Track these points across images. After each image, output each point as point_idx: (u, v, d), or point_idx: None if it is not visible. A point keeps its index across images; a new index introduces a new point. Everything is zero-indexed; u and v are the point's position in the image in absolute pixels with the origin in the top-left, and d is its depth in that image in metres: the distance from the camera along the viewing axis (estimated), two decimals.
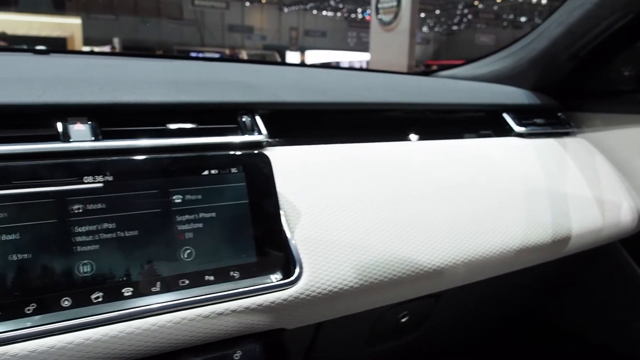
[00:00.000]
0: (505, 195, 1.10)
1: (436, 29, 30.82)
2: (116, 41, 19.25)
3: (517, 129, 1.30)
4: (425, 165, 1.07)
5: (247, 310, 0.76)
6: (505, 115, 1.32)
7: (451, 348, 1.55)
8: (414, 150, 1.10)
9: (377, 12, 9.27)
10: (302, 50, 27.01)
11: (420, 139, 1.15)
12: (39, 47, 1.23)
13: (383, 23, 9.19)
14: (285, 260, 0.81)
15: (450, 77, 1.57)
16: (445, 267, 0.95)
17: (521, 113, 1.34)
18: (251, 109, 0.95)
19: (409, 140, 1.14)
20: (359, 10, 28.31)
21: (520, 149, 1.25)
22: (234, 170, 0.81)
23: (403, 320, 1.13)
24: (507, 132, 1.30)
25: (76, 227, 0.69)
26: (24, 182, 0.68)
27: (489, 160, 1.18)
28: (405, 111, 1.21)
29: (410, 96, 1.20)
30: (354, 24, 30.53)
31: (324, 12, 29.54)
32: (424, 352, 1.44)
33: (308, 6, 28.19)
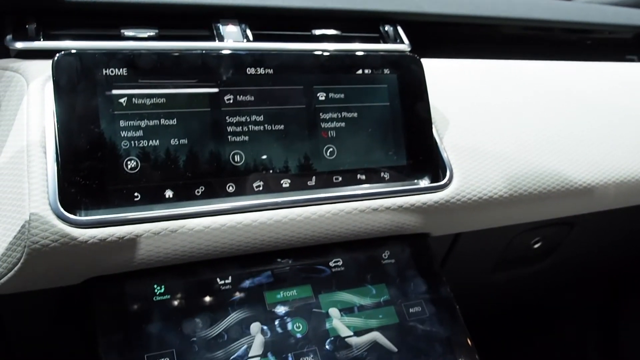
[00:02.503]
0: None
1: None
2: None
3: None
4: (575, 86, 1.02)
5: (400, 209, 0.75)
6: None
7: (575, 285, 1.50)
8: (562, 70, 1.05)
9: None
10: None
11: (566, 59, 1.09)
12: None
13: None
14: (436, 165, 0.79)
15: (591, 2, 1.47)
16: (596, 185, 0.90)
17: None
18: (394, 18, 0.92)
19: (554, 60, 1.08)
20: None
21: None
22: (386, 71, 0.79)
23: (535, 246, 1.09)
24: None
25: (234, 117, 0.69)
26: (186, 75, 0.69)
27: (637, 84, 1.10)
28: (549, 29, 1.14)
29: (555, 14, 1.13)
30: None
31: None
32: (545, 285, 1.40)
33: None
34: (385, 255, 0.78)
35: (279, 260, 0.73)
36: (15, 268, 0.59)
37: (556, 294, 1.67)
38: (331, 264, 0.75)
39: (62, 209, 0.59)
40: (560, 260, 1.20)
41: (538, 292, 1.51)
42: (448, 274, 0.86)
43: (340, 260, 0.76)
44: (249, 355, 0.65)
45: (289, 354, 0.67)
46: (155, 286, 0.67)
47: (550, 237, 1.08)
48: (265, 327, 0.68)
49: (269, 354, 0.66)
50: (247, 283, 0.70)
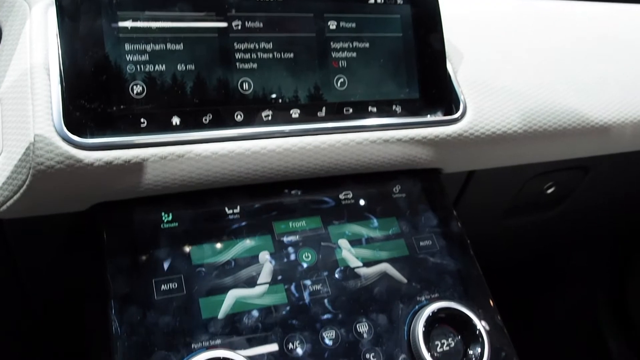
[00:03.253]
0: None
1: None
2: None
3: None
4: (594, 26, 0.99)
5: (412, 141, 0.74)
6: None
7: (585, 242, 1.49)
8: (581, 10, 1.02)
9: None
10: None
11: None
12: None
13: None
14: (449, 99, 0.78)
15: None
16: (613, 124, 0.88)
17: None
18: None
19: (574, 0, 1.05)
20: None
21: None
22: (399, 1, 0.76)
23: (548, 191, 1.07)
24: None
25: (243, 44, 0.67)
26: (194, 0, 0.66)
27: None
28: None
29: None
30: None
31: None
32: (556, 239, 1.39)
33: None
34: (396, 190, 0.77)
35: (288, 191, 0.72)
36: (21, 190, 0.58)
37: (566, 250, 1.66)
38: (341, 196, 0.74)
39: (66, 131, 0.58)
40: (573, 210, 1.19)
41: (548, 247, 1.49)
42: (459, 218, 0.85)
43: (350, 192, 0.74)
44: (258, 282, 0.65)
45: (299, 282, 0.66)
46: (163, 214, 0.66)
47: (563, 183, 1.06)
48: (273, 256, 0.67)
49: (278, 281, 0.65)
50: (255, 213, 0.69)
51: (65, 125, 0.58)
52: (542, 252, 1.57)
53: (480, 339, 0.66)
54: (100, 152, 0.59)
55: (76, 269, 0.74)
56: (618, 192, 1.25)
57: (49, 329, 0.94)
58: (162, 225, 0.65)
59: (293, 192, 0.72)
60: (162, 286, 0.62)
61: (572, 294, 1.71)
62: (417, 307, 0.68)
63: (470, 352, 0.66)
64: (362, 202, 0.74)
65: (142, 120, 0.62)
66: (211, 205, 0.68)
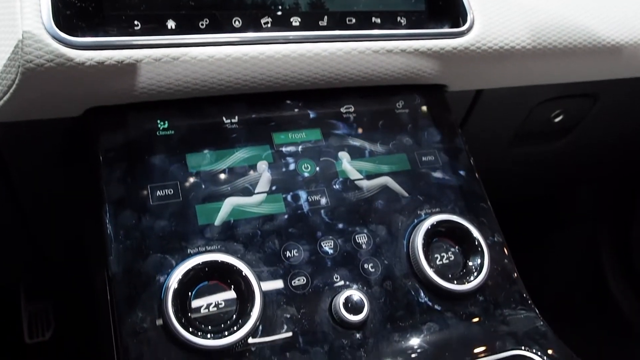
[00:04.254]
0: None
1: None
2: None
3: None
4: None
5: (416, 52, 0.71)
6: None
7: (591, 179, 1.46)
8: None
9: None
10: None
11: None
12: None
13: None
14: (456, 11, 0.74)
15: None
16: (625, 44, 0.85)
17: None
18: None
19: None
20: None
21: None
22: None
23: (556, 120, 1.05)
24: None
25: None
26: None
27: None
28: None
29: None
30: None
31: None
32: (562, 173, 1.37)
33: None
34: (399, 105, 0.75)
35: (288, 101, 0.70)
36: (11, 90, 0.56)
37: (572, 187, 1.64)
38: (342, 109, 0.72)
39: (56, 29, 0.56)
40: (580, 142, 1.16)
41: (554, 182, 1.48)
42: (469, 134, 0.83)
43: (352, 106, 0.72)
44: (255, 191, 0.64)
45: (297, 191, 0.65)
46: (158, 121, 0.64)
47: (572, 111, 1.04)
48: (272, 166, 0.65)
49: (276, 191, 0.64)
50: (254, 123, 0.67)
51: (55, 24, 0.56)
52: (548, 188, 1.56)
53: (479, 250, 0.65)
54: (91, 52, 0.57)
55: (71, 179, 0.73)
56: (628, 125, 1.23)
57: (44, 241, 0.93)
58: (157, 133, 0.64)
59: (293, 103, 0.70)
60: (158, 192, 0.61)
61: (576, 232, 1.70)
62: (417, 220, 0.67)
63: (470, 263, 0.65)
64: (363, 116, 0.72)
65: (135, 22, 0.60)
66: (208, 114, 0.66)
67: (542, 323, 0.65)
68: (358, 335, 0.59)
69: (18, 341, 1.43)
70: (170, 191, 0.61)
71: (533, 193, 1.59)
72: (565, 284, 1.73)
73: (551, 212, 1.74)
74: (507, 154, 1.12)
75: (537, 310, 0.66)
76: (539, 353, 0.62)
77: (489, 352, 0.61)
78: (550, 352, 0.62)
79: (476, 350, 0.61)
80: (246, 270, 0.57)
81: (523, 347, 0.63)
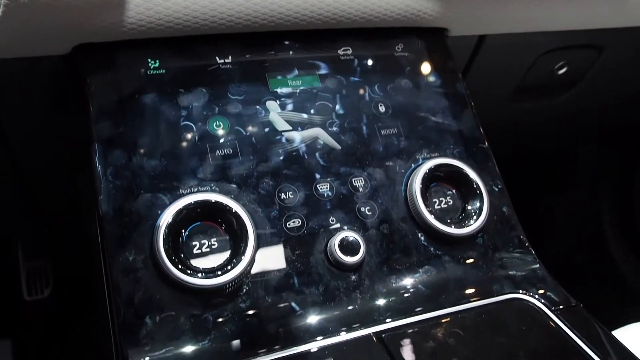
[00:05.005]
0: None
1: None
2: None
3: None
4: None
5: None
6: None
7: (598, 127, 1.44)
8: None
9: None
10: None
11: None
12: None
13: None
14: None
15: None
16: None
17: None
18: None
19: None
20: None
21: None
22: None
23: (560, 72, 1.02)
24: None
25: None
26: None
27: None
28: None
29: None
30: None
31: None
32: (565, 131, 1.35)
33: None
34: (398, 48, 0.73)
35: (284, 42, 0.67)
36: None
37: (574, 146, 1.62)
38: (340, 51, 0.70)
39: None
40: (584, 97, 1.14)
41: (557, 140, 1.46)
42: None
43: (350, 48, 0.70)
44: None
45: (292, 133, 0.63)
46: (149, 60, 0.62)
47: (576, 62, 1.01)
48: (267, 108, 0.64)
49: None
50: (248, 64, 0.65)
51: None
52: (549, 147, 1.54)
53: (478, 194, 0.64)
54: None
55: (63, 125, 0.71)
56: (633, 81, 1.20)
57: (40, 193, 0.92)
58: (148, 72, 0.62)
59: (289, 43, 0.68)
60: (149, 131, 0.59)
61: (577, 193, 1.69)
62: (415, 164, 0.66)
63: (469, 207, 0.64)
64: (361, 59, 0.70)
65: None
66: (201, 54, 0.64)
67: (540, 268, 0.64)
68: (354, 277, 0.58)
69: (17, 298, 1.44)
70: (162, 130, 0.59)
71: (534, 152, 1.57)
72: (565, 244, 1.72)
73: (552, 172, 1.72)
74: (508, 109, 1.10)
75: (536, 256, 0.65)
76: (536, 296, 0.61)
77: (486, 295, 0.60)
78: (548, 295, 0.61)
79: (473, 293, 0.60)
80: (239, 210, 0.56)
81: (520, 291, 0.62)
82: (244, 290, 0.55)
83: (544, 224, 1.72)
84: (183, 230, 0.55)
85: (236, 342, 0.53)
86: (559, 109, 1.17)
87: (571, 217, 1.72)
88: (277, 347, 0.53)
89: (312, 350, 0.53)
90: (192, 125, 0.60)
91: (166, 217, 0.54)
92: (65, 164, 0.82)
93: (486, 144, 0.71)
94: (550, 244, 1.71)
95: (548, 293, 0.62)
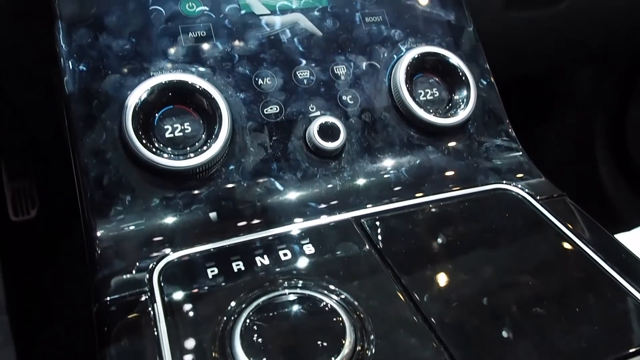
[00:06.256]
0: None
1: None
2: None
3: None
4: None
5: None
6: None
7: (596, 46, 1.39)
8: None
9: None
10: None
11: None
12: None
13: None
14: None
15: None
16: None
17: None
18: None
19: None
20: None
21: None
22: None
23: None
24: None
25: None
26: None
27: None
28: None
29: None
30: None
31: None
32: (562, 43, 1.30)
33: None
34: None
35: None
36: None
37: (569, 67, 1.58)
38: None
39: None
40: (581, 9, 1.09)
41: (551, 58, 1.41)
42: None
43: None
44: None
45: (273, 16, 0.60)
46: None
47: None
48: None
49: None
50: None
51: None
52: (546, 66, 1.50)
53: (465, 82, 0.61)
54: None
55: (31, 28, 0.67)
56: None
57: (18, 103, 0.89)
58: None
59: None
60: (116, 10, 0.55)
61: (573, 116, 1.66)
62: (399, 53, 0.63)
63: (456, 97, 0.61)
64: None
65: None
66: None
67: (527, 161, 0.62)
68: (333, 164, 0.56)
69: (4, 219, 1.42)
70: (130, 9, 0.56)
71: (530, 73, 1.53)
72: (558, 170, 1.71)
73: (547, 97, 1.69)
74: (503, 18, 1.06)
75: (524, 150, 0.63)
76: (520, 186, 0.59)
77: (469, 185, 0.58)
78: (533, 184, 0.59)
79: (456, 183, 0.58)
80: (214, 92, 0.53)
81: (505, 181, 0.60)
82: (219, 174, 0.53)
83: (534, 147, 1.70)
84: (155, 114, 0.53)
85: (210, 223, 0.51)
86: (554, 22, 1.12)
87: (563, 142, 1.70)
88: (251, 229, 0.51)
89: (288, 233, 0.51)
90: (163, 4, 0.57)
91: (135, 96, 0.51)
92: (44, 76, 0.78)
93: (477, 41, 0.67)
94: (541, 170, 1.70)
95: (533, 183, 0.60)
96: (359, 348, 0.40)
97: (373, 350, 0.40)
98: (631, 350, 0.41)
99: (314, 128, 0.56)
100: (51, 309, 1.36)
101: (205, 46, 0.56)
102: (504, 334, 0.43)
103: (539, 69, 1.48)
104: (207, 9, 0.58)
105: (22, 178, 1.46)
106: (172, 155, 0.51)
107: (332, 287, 0.45)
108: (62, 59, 0.53)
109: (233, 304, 0.43)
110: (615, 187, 1.67)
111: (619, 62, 1.55)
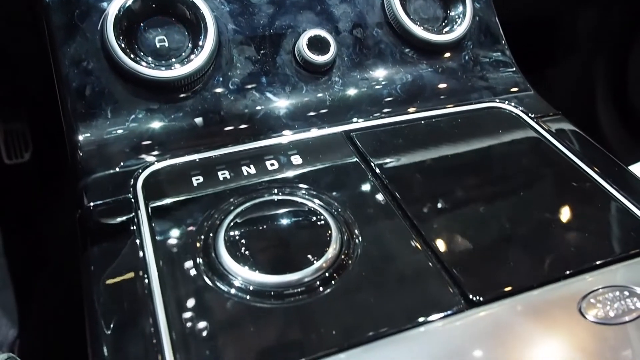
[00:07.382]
0: None
1: None
2: None
3: None
4: None
5: None
6: None
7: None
8: None
9: None
10: None
11: None
12: None
13: None
14: None
15: None
16: None
17: None
18: None
19: None
20: None
21: None
22: None
23: None
24: None
25: None
26: None
27: None
28: None
29: None
30: None
31: None
32: None
33: None
34: None
35: None
36: None
37: (574, 10, 1.55)
38: None
39: None
40: None
41: (555, 3, 1.38)
42: None
43: None
44: None
45: None
46: None
47: None
48: None
49: None
50: None
51: None
52: (548, 6, 1.46)
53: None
54: None
55: None
56: None
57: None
58: None
59: None
60: None
61: (573, 60, 1.63)
62: None
63: (452, 13, 0.59)
64: None
65: None
66: None
67: (523, 80, 0.61)
68: (323, 79, 0.55)
69: None
70: None
71: (532, 14, 1.50)
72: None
73: (549, 39, 1.66)
74: None
75: (519, 69, 0.61)
76: (514, 103, 0.58)
77: (463, 102, 0.57)
78: (528, 103, 0.58)
79: (450, 100, 0.57)
80: (198, 2, 0.51)
81: (499, 100, 0.58)
82: (205, 86, 0.52)
83: (538, 92, 1.68)
84: (139, 24, 0.51)
85: (196, 134, 0.50)
86: None
87: (562, 85, 1.67)
88: (238, 141, 0.50)
89: (276, 144, 0.50)
90: None
91: (117, 3, 0.49)
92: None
93: None
94: None
95: (528, 102, 0.59)
96: (345, 252, 0.40)
97: (359, 253, 0.40)
98: (622, 255, 0.41)
99: (303, 41, 0.54)
100: (47, 251, 1.36)
101: None
102: (493, 240, 0.42)
103: (542, 10, 1.45)
104: None
105: (15, 121, 1.44)
106: (156, 65, 0.49)
107: (319, 194, 0.45)
108: None
109: (218, 208, 0.43)
110: (614, 132, 1.65)
111: (619, 8, 1.51)
